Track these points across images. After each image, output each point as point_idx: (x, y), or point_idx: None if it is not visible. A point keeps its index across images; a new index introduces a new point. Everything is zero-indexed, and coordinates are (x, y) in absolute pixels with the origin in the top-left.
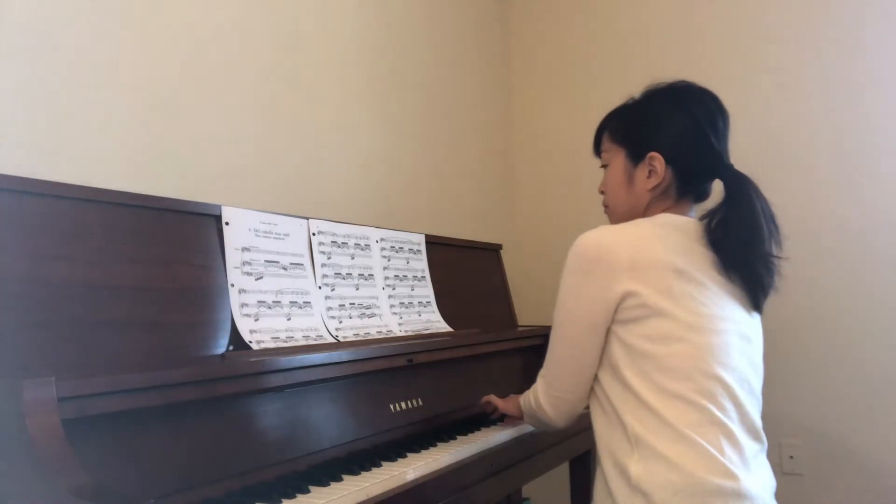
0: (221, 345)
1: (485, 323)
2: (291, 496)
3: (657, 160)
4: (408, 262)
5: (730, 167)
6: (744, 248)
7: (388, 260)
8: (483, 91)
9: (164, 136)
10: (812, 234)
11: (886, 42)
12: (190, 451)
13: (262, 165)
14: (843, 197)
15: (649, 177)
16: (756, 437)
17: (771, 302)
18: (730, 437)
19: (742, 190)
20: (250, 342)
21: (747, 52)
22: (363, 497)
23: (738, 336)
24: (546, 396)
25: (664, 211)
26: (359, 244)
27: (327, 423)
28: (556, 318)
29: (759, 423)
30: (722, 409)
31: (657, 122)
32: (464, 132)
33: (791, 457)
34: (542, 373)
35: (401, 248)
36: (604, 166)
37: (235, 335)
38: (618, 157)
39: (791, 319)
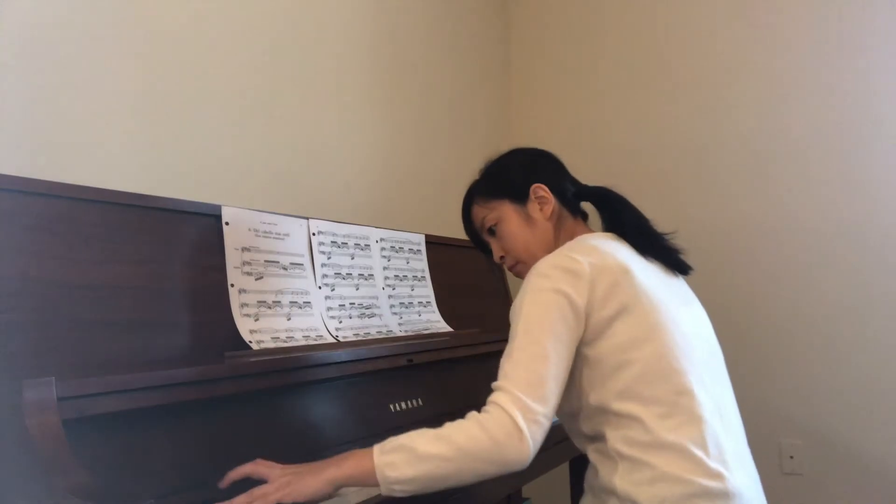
0: (221, 345)
1: (485, 323)
2: None
3: (541, 189)
4: (408, 262)
5: (587, 186)
6: (640, 232)
7: (388, 260)
8: (483, 91)
9: (164, 136)
10: (812, 234)
11: (887, 42)
12: (190, 451)
13: (262, 165)
14: (843, 197)
15: (542, 208)
16: (737, 424)
17: (770, 302)
18: (711, 432)
19: (605, 196)
20: (250, 342)
21: (747, 52)
22: (363, 497)
23: (692, 322)
24: (527, 423)
25: (571, 231)
26: (359, 244)
27: (327, 422)
28: (527, 337)
29: (734, 404)
30: (700, 404)
31: (521, 164)
32: (464, 132)
33: (791, 457)
34: (512, 397)
35: (401, 248)
36: (489, 230)
37: (235, 335)
38: (504, 209)
39: (791, 320)
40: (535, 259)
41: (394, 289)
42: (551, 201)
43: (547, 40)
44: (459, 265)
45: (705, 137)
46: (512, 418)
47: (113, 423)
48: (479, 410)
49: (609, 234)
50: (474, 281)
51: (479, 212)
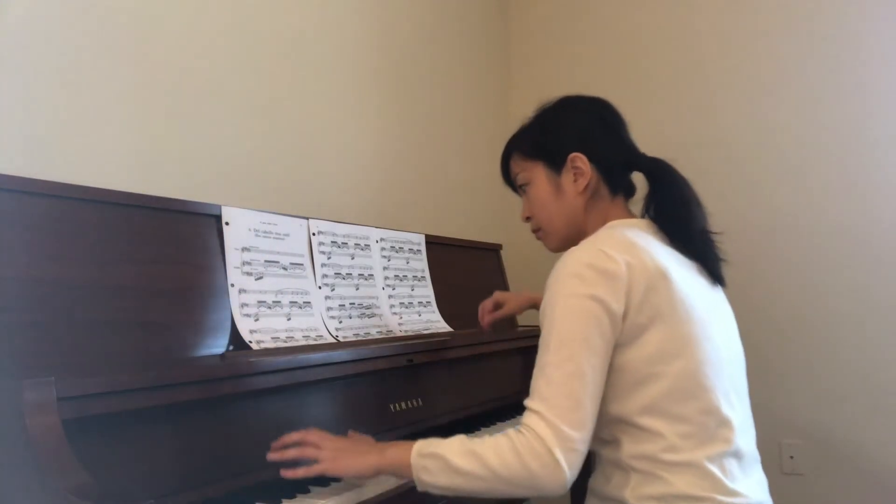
0: (221, 345)
1: None
2: (291, 496)
3: (579, 159)
4: (408, 262)
5: (643, 155)
6: (682, 226)
7: (388, 260)
8: (483, 91)
9: (164, 136)
10: (811, 234)
11: (886, 42)
12: (190, 451)
13: (262, 165)
14: (842, 197)
15: (576, 180)
16: (750, 432)
17: (770, 302)
18: (730, 450)
19: (661, 171)
20: (250, 342)
21: (746, 52)
22: (363, 497)
23: (723, 333)
24: (564, 451)
25: (604, 213)
26: (359, 244)
27: (327, 423)
28: (560, 353)
29: (750, 414)
30: (724, 424)
31: (565, 126)
32: (464, 132)
33: (791, 457)
34: (548, 422)
35: (401, 248)
36: (521, 188)
37: (235, 335)
38: (537, 172)
39: (791, 320)
40: (557, 232)
41: (394, 289)
42: (588, 174)
43: (547, 40)
44: (459, 265)
45: (705, 137)
46: (548, 448)
47: (113, 423)
48: (478, 410)
49: (645, 223)
50: (474, 281)
51: (514, 166)
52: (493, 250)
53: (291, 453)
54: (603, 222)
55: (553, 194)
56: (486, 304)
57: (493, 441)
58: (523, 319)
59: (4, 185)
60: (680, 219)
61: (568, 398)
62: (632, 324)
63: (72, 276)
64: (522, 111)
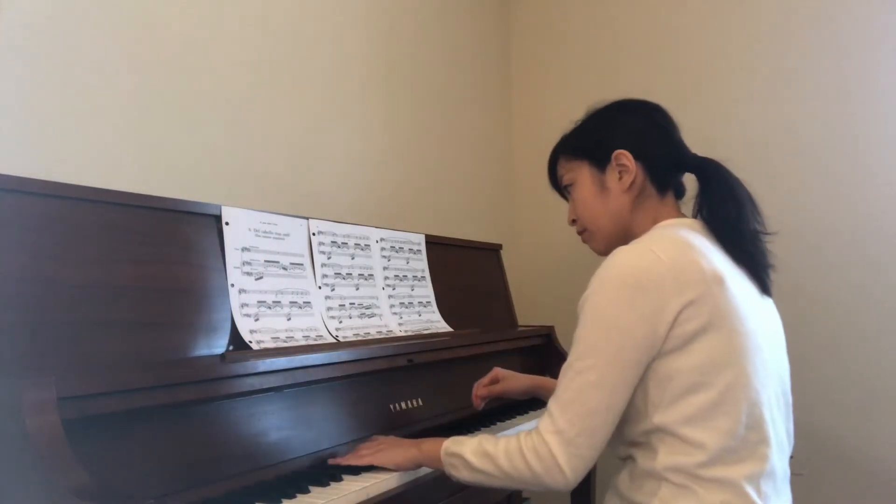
0: (221, 345)
1: (485, 323)
2: (291, 496)
3: (624, 156)
4: (408, 262)
5: (695, 155)
6: (732, 227)
7: (388, 260)
8: (483, 91)
9: (164, 136)
10: (810, 234)
11: (885, 42)
12: (190, 451)
13: (262, 165)
14: (841, 197)
15: (621, 177)
16: (788, 448)
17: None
18: (770, 470)
19: (713, 172)
20: (250, 342)
21: (745, 52)
22: (363, 497)
23: (772, 343)
24: (567, 457)
25: (653, 212)
26: (359, 244)
27: (327, 423)
28: (585, 361)
29: (791, 428)
30: (765, 441)
31: (612, 125)
32: (464, 132)
33: (791, 457)
34: (556, 427)
35: (401, 248)
36: (566, 188)
37: (235, 335)
38: (582, 172)
39: (790, 320)
40: (602, 231)
41: (394, 289)
42: (633, 172)
43: (548, 39)
44: (459, 265)
45: (705, 137)
46: (551, 453)
47: (113, 423)
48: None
49: (699, 224)
50: (474, 281)
51: (560, 168)
52: (493, 250)
53: (347, 457)
54: (653, 222)
55: (597, 193)
56: (483, 380)
57: (505, 442)
58: (523, 319)
59: (4, 185)
60: (730, 220)
61: (583, 405)
62: (682, 331)
63: (72, 276)
64: (523, 110)
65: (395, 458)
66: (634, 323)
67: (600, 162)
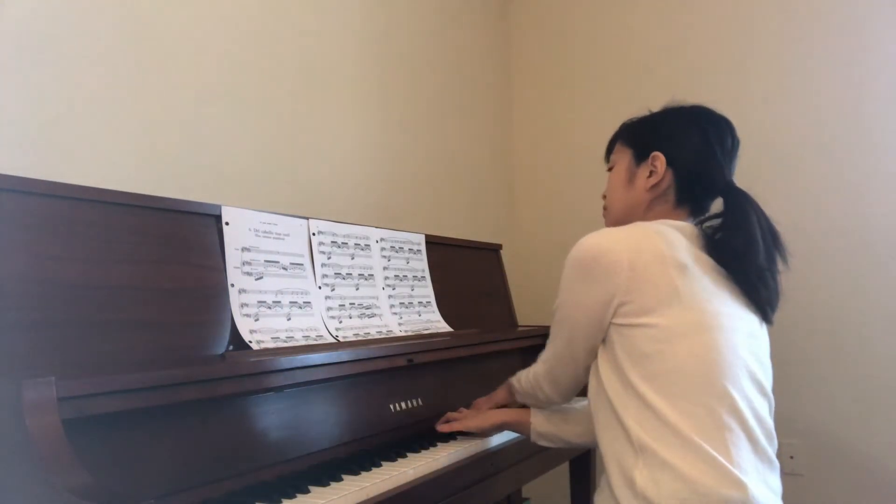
0: (221, 345)
1: (485, 323)
2: (291, 496)
3: (658, 159)
4: (408, 262)
5: (732, 184)
6: (736, 257)
7: (388, 260)
8: (484, 91)
9: (164, 136)
10: (810, 235)
11: (884, 42)
12: (190, 451)
13: (262, 165)
14: (841, 198)
15: (650, 176)
16: (768, 437)
17: None
18: (739, 441)
19: (740, 203)
20: (250, 342)
21: (745, 53)
22: (363, 497)
23: (744, 334)
24: (546, 379)
25: (664, 216)
26: (359, 244)
27: (327, 423)
28: (555, 317)
29: (770, 422)
30: (733, 411)
31: (669, 129)
32: (464, 132)
33: (791, 457)
34: (542, 357)
35: (401, 248)
36: (609, 169)
37: (235, 335)
38: (624, 158)
39: (790, 320)
40: (614, 215)
41: (394, 289)
42: (660, 175)
43: (548, 40)
44: (459, 265)
45: None
46: (537, 377)
47: (113, 423)
48: None
49: (689, 228)
50: (474, 281)
51: (615, 147)
52: (493, 250)
53: (442, 425)
54: None
55: (625, 182)
56: (456, 413)
57: (526, 372)
58: (523, 319)
59: (4, 185)
60: (737, 252)
61: (554, 346)
62: (635, 305)
63: (72, 276)
64: (523, 110)
65: (478, 423)
66: (586, 294)
67: (640, 156)
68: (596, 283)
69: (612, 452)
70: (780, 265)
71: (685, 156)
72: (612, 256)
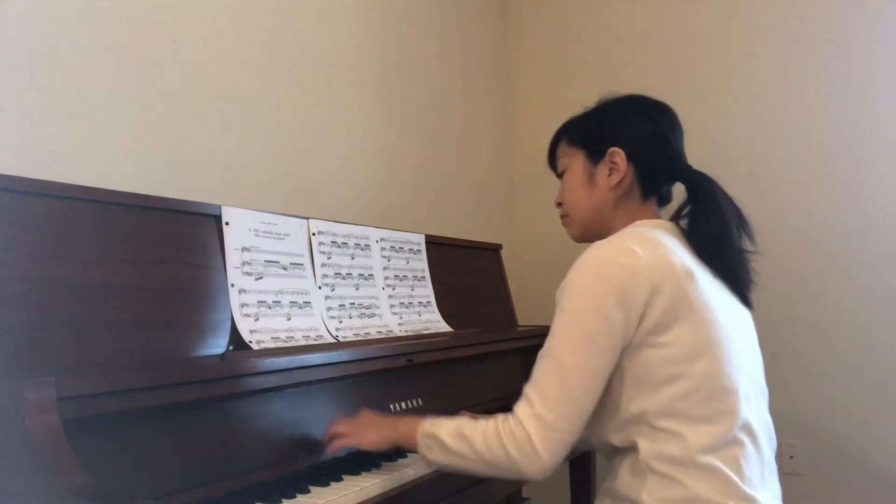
0: (221, 345)
1: (485, 323)
2: (291, 496)
3: (618, 155)
4: (408, 262)
5: (689, 167)
6: (715, 244)
7: (388, 260)
8: (484, 90)
9: (164, 136)
10: (810, 234)
11: (884, 42)
12: (190, 451)
13: (262, 165)
14: (840, 197)
15: (610, 174)
16: (770, 440)
17: (770, 302)
18: (750, 455)
19: (704, 187)
20: (250, 342)
21: (745, 53)
22: (363, 497)
23: (743, 335)
24: (545, 441)
25: (633, 213)
26: (359, 244)
27: (327, 422)
28: (562, 346)
29: (770, 420)
30: (744, 426)
31: (616, 121)
32: (464, 132)
33: (791, 457)
34: (534, 412)
35: (401, 248)
36: (560, 174)
37: (235, 335)
38: (576, 160)
39: (790, 320)
40: (580, 221)
41: (394, 289)
42: (622, 172)
43: (548, 40)
44: (459, 265)
45: (704, 137)
46: (528, 436)
47: (113, 423)
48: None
49: (670, 226)
50: (474, 281)
51: (559, 151)
52: (493, 250)
53: (327, 439)
54: (631, 222)
55: (585, 184)
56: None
57: (483, 425)
58: (523, 319)
59: (4, 185)
60: (713, 236)
61: (560, 390)
62: (654, 322)
63: (72, 276)
64: (523, 110)
65: (369, 439)
66: (610, 311)
67: (595, 155)
68: (620, 296)
69: (615, 470)
70: (748, 245)
71: (642, 147)
72: (634, 260)
